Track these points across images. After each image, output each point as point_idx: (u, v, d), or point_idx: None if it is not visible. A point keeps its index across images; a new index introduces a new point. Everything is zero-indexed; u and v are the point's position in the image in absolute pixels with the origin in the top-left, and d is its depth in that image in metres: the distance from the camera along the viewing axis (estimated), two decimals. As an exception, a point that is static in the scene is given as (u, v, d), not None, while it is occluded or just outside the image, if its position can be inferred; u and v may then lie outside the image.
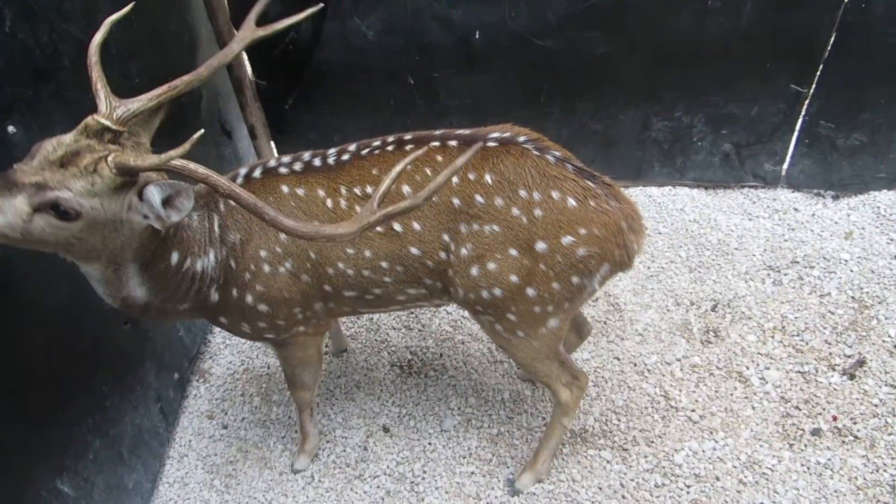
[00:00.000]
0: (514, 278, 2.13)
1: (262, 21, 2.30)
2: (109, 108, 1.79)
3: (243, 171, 2.28)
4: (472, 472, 2.89)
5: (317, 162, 2.25)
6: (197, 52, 3.63)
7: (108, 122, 1.76)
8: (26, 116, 2.24)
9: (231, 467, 3.02)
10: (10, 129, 2.17)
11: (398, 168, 1.75)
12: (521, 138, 2.15)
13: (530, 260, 2.10)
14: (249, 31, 2.18)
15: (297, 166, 2.25)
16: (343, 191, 2.18)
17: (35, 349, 2.32)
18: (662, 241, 3.76)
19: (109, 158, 1.70)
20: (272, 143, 4.23)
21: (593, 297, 3.45)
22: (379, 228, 2.15)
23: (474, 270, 2.15)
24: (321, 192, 2.19)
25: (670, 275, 3.58)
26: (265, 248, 2.21)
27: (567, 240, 2.07)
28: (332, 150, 2.28)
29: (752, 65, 3.57)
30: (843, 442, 2.80)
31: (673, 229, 3.82)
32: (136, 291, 2.08)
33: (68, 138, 1.74)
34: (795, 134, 3.81)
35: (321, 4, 2.26)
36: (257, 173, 2.26)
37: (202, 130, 1.69)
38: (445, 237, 2.16)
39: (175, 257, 2.09)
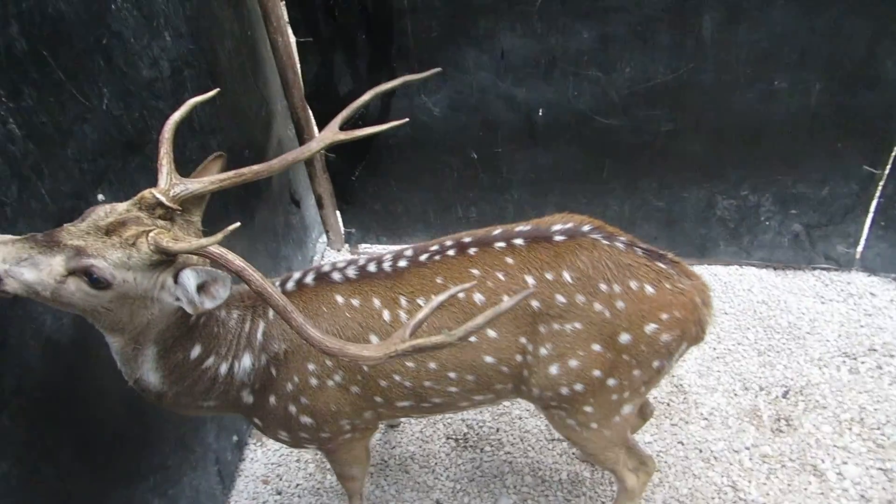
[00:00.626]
0: (596, 373, 2.07)
1: (345, 126, 2.26)
2: (168, 185, 1.79)
3: (296, 275, 2.21)
4: (527, 557, 2.78)
5: (372, 268, 2.16)
6: (272, 127, 3.83)
7: (162, 198, 1.75)
8: (115, 186, 2.40)
9: (282, 536, 3.00)
10: (100, 196, 2.32)
11: (440, 298, 1.65)
12: (586, 227, 2.10)
13: (614, 353, 2.04)
14: (331, 134, 2.14)
15: (352, 272, 2.16)
16: (403, 302, 2.08)
17: (104, 408, 2.40)
18: (729, 322, 3.64)
19: (151, 235, 1.67)
20: (338, 213, 4.37)
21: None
22: None
23: (554, 369, 2.08)
24: (377, 303, 2.09)
25: (738, 357, 3.45)
26: (314, 360, 2.11)
27: (651, 328, 2.02)
28: (388, 255, 2.20)
29: (822, 145, 3.51)
30: (933, 549, 2.58)
31: (740, 310, 3.70)
32: (148, 376, 1.98)
33: (121, 207, 1.73)
34: (870, 216, 3.69)
35: (406, 119, 2.20)
36: (310, 279, 2.17)
37: (238, 224, 1.65)
38: (523, 340, 2.07)
39: (196, 351, 1.99)
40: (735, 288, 3.85)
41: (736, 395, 3.27)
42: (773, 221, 3.83)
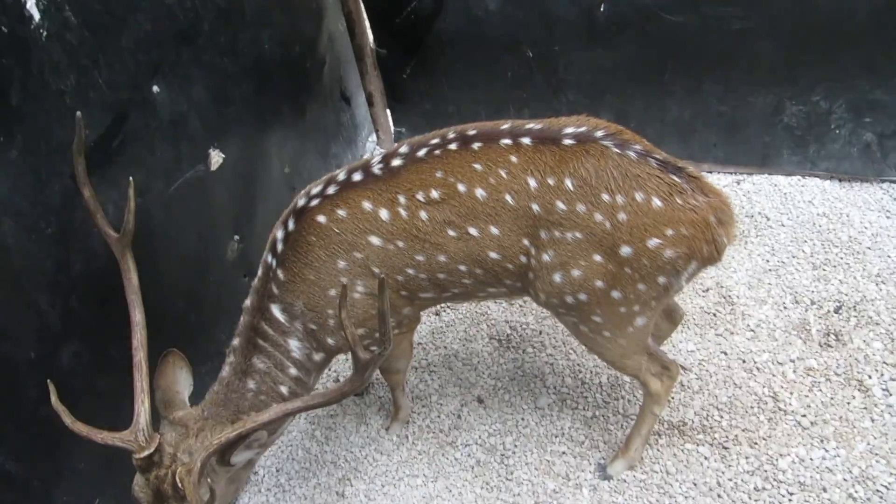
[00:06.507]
0: (599, 283, 2.06)
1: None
2: (136, 444, 1.89)
3: (280, 234, 2.19)
4: (564, 452, 2.89)
5: (357, 177, 2.13)
6: (322, 22, 3.74)
7: (146, 454, 1.87)
8: (169, 77, 2.41)
9: (331, 420, 3.17)
10: (155, 88, 2.34)
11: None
12: (599, 133, 2.01)
13: (615, 265, 2.01)
14: None
15: (331, 189, 2.14)
16: (402, 199, 2.07)
17: (164, 295, 2.52)
18: (785, 234, 3.54)
19: (179, 485, 1.84)
20: (388, 111, 4.32)
21: (704, 290, 3.33)
22: (452, 233, 2.08)
23: (557, 277, 2.07)
24: (368, 206, 2.09)
25: (791, 270, 3.37)
26: (330, 286, 2.16)
27: (653, 242, 1.97)
28: (377, 159, 2.16)
29: (908, 47, 3.25)
30: (975, 467, 2.57)
31: (798, 222, 3.58)
32: (281, 431, 2.38)
33: (140, 481, 1.92)
34: (951, 126, 3.46)
35: None
36: (291, 224, 2.17)
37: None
38: (525, 242, 2.07)
39: (286, 391, 2.29)
40: (795, 199, 3.71)
41: (785, 308, 3.22)
42: (844, 130, 3.62)
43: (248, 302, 2.27)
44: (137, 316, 1.98)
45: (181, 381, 2.15)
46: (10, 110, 1.80)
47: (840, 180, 3.76)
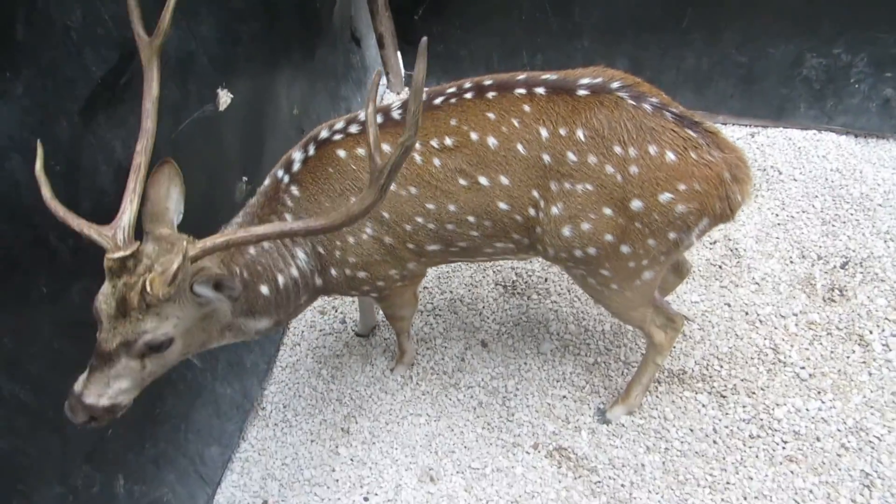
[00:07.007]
0: (608, 237, 2.05)
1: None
2: (112, 242, 1.74)
3: (298, 155, 2.21)
4: (564, 397, 2.95)
5: (378, 119, 2.12)
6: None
7: (121, 255, 1.71)
8: (176, 14, 2.37)
9: (337, 360, 3.24)
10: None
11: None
12: (615, 84, 1.98)
13: (625, 219, 2.01)
14: None
15: (353, 128, 2.17)
16: (417, 145, 2.07)
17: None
18: (796, 189, 3.50)
19: (148, 288, 1.70)
20: (399, 54, 4.25)
21: (711, 242, 3.33)
22: (463, 182, 2.09)
23: (567, 231, 2.07)
24: (387, 148, 2.08)
25: (799, 225, 3.36)
26: None
27: (665, 197, 1.95)
28: (396, 103, 2.16)
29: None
30: (969, 423, 2.61)
31: (810, 177, 3.54)
32: (261, 325, 2.24)
33: (107, 288, 1.74)
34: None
35: None
36: (311, 150, 2.19)
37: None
38: (535, 193, 2.06)
39: (265, 289, 2.18)
40: (809, 154, 3.66)
41: (792, 262, 3.22)
42: (864, 85, 3.54)
43: (253, 200, 2.28)
44: (149, 124, 1.85)
45: (173, 197, 1.97)
46: (16, 45, 1.78)
47: (856, 136, 3.71)
